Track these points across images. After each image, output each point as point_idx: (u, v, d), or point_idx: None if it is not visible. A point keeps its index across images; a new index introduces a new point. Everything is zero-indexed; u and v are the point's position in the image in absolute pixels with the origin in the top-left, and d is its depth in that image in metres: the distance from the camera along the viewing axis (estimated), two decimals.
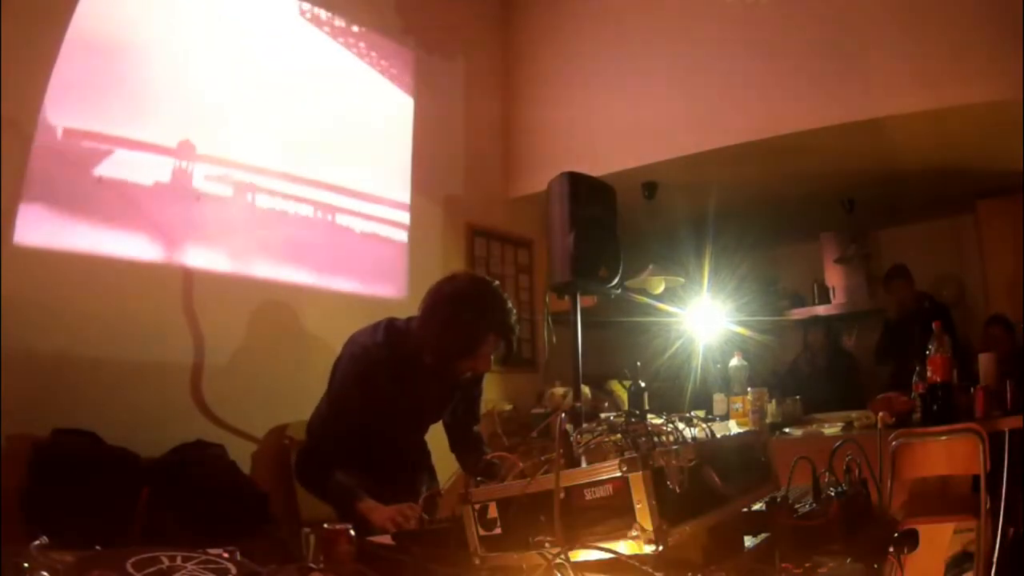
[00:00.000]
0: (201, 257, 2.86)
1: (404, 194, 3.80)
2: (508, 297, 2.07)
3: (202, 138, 2.90)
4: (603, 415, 1.37)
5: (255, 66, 3.15)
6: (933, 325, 3.15)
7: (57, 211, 2.49)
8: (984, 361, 3.21)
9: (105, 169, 2.62)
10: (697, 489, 1.10)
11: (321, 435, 2.07)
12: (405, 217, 3.78)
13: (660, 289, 4.18)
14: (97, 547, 1.10)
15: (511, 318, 2.03)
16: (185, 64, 2.89)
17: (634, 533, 1.01)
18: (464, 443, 2.30)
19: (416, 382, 2.09)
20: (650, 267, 4.17)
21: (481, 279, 2.17)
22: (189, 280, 2.77)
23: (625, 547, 1.02)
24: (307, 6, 3.39)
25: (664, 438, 1.21)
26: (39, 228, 2.42)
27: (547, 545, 1.07)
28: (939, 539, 2.63)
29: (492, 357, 2.11)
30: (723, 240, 4.57)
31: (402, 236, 3.75)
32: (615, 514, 1.03)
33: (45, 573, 0.96)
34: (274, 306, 3.12)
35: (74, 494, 2.14)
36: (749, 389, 3.51)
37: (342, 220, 3.46)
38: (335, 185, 3.45)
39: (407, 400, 2.10)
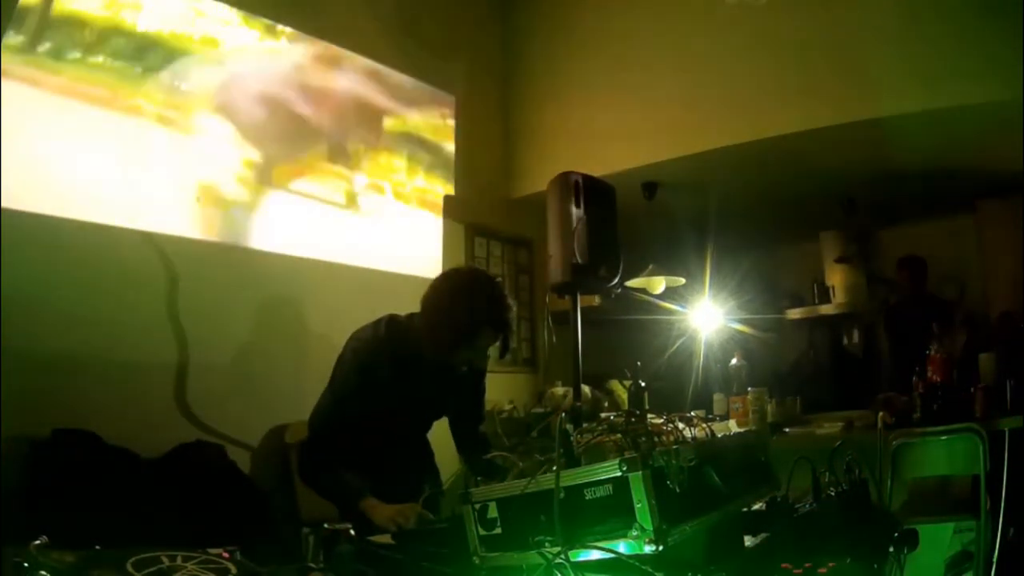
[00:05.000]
0: (199, 256, 2.86)
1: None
2: (508, 294, 2.09)
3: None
4: (603, 415, 1.37)
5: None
6: (933, 325, 3.16)
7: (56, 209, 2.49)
8: (984, 361, 3.21)
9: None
10: (697, 489, 1.10)
11: (323, 429, 2.07)
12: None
13: (660, 289, 4.18)
14: (97, 547, 1.10)
15: (508, 313, 2.05)
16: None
17: (634, 533, 1.01)
18: (470, 443, 2.31)
19: (417, 378, 2.10)
20: (650, 267, 4.17)
21: (481, 273, 2.20)
22: (174, 283, 2.74)
23: (625, 547, 1.02)
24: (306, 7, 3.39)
25: (664, 438, 1.21)
26: (39, 227, 2.42)
27: (547, 545, 1.07)
28: (939, 539, 2.63)
29: (489, 353, 2.12)
30: (723, 240, 4.57)
31: (403, 236, 3.76)
32: (615, 514, 1.03)
33: (45, 573, 0.96)
34: (274, 305, 3.12)
35: (74, 494, 2.14)
36: (749, 389, 3.51)
37: (344, 220, 3.47)
38: (335, 183, 3.46)
39: (408, 395, 2.11)
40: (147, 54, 2.78)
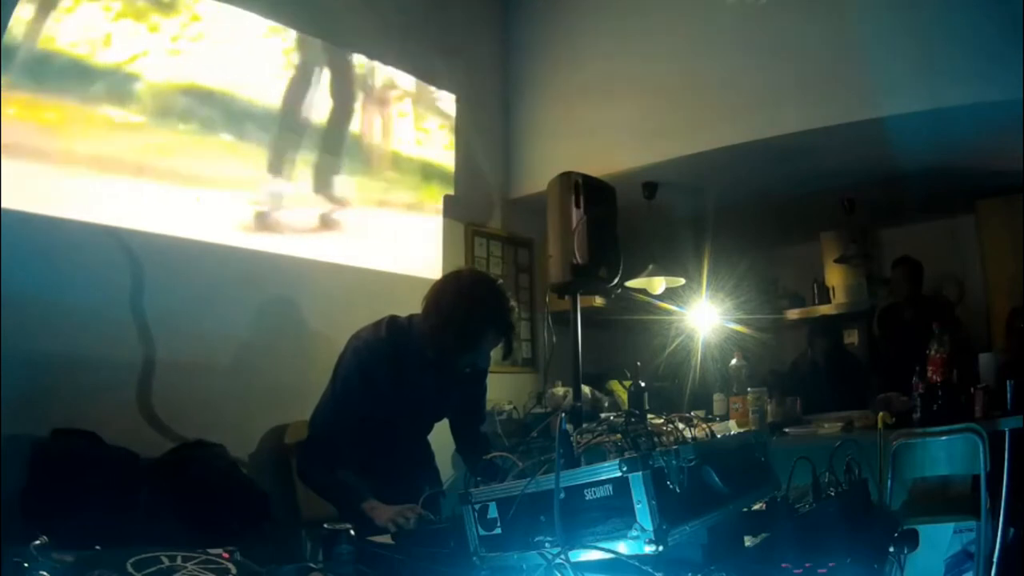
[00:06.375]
0: (196, 256, 2.86)
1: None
2: (511, 296, 2.09)
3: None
4: (603, 415, 1.38)
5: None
6: (933, 325, 3.16)
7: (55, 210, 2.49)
8: (984, 361, 3.21)
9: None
10: (697, 489, 1.10)
11: (323, 430, 2.08)
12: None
13: (660, 289, 4.18)
14: (97, 547, 1.10)
15: (511, 316, 2.05)
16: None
17: (634, 533, 1.01)
18: (470, 444, 2.31)
19: (418, 378, 2.10)
20: (650, 267, 4.17)
21: (484, 276, 2.22)
22: (138, 279, 2.72)
23: (625, 547, 1.02)
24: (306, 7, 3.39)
25: (664, 438, 1.21)
26: (38, 227, 2.42)
27: (547, 545, 1.07)
28: (939, 539, 2.63)
29: (492, 354, 2.13)
30: (723, 240, 4.57)
31: (402, 237, 3.76)
32: (615, 514, 1.03)
33: (45, 573, 0.96)
34: (275, 306, 3.12)
35: (74, 494, 2.14)
36: (749, 389, 3.51)
37: (344, 221, 3.47)
38: (335, 183, 3.46)
39: (409, 396, 2.11)
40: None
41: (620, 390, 4.22)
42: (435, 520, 1.79)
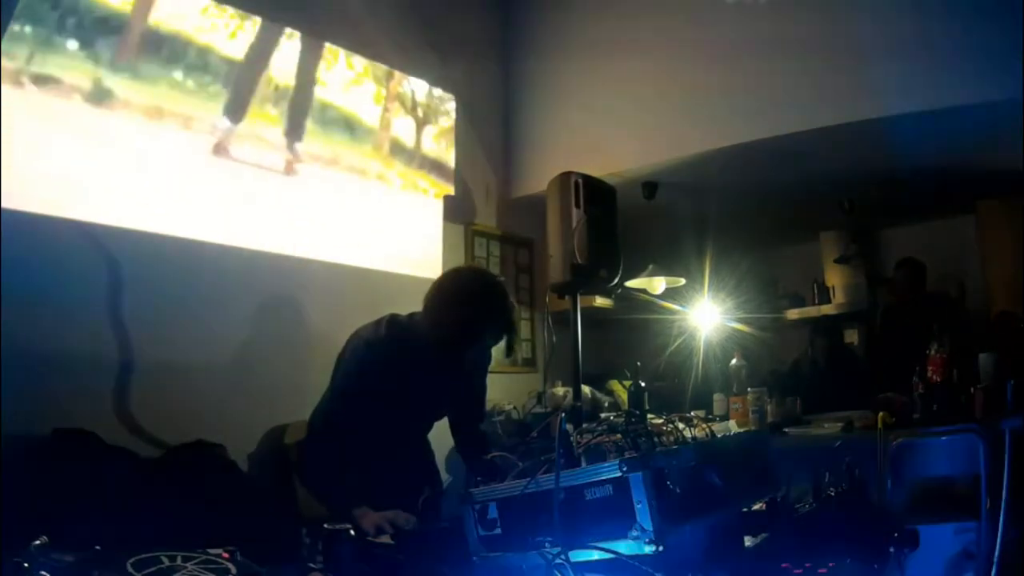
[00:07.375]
0: (196, 256, 2.86)
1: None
2: (510, 294, 2.10)
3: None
4: (603, 415, 1.38)
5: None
6: (933, 325, 3.16)
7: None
8: (984, 361, 3.21)
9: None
10: (697, 489, 1.10)
11: (324, 429, 2.08)
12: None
13: (660, 289, 4.18)
14: (97, 547, 1.10)
15: (511, 314, 2.06)
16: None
17: (634, 533, 1.01)
18: (471, 443, 2.31)
19: (418, 376, 2.10)
20: (650, 267, 4.17)
21: (484, 274, 2.23)
22: (140, 280, 2.72)
23: (625, 547, 1.02)
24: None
25: (664, 438, 1.21)
26: (37, 226, 2.42)
27: (547, 545, 1.07)
28: (939, 539, 2.63)
29: (493, 352, 2.14)
30: (723, 240, 4.57)
31: (402, 237, 3.76)
32: (615, 514, 1.03)
33: (45, 573, 0.96)
34: (275, 304, 3.12)
35: (74, 494, 2.14)
36: (749, 389, 3.51)
37: (343, 220, 3.47)
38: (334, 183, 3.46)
39: (409, 394, 2.11)
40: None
41: (620, 390, 4.22)
42: (430, 522, 1.79)
